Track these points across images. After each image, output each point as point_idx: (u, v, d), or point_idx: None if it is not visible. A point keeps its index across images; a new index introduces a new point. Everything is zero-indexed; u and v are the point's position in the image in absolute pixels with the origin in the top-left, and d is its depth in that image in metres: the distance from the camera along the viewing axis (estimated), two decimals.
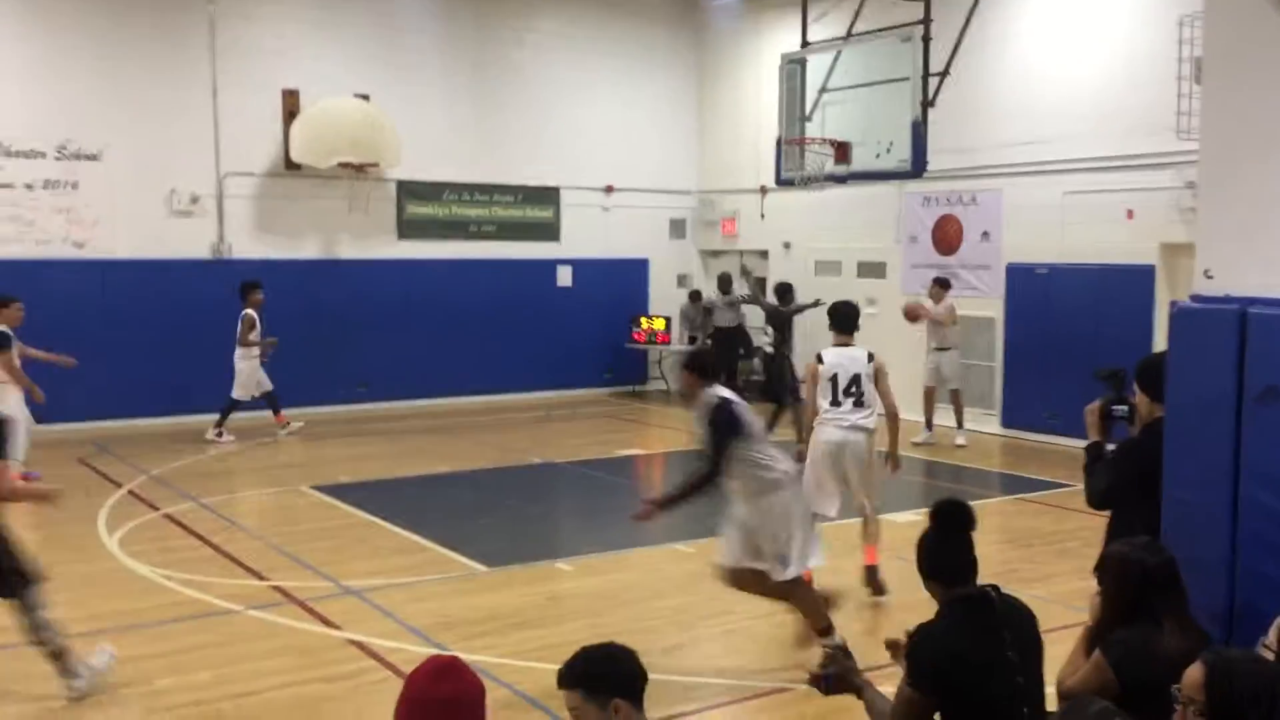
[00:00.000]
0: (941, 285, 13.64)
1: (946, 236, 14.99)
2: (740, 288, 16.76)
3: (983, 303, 14.38)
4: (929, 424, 13.50)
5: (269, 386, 13.65)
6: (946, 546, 3.72)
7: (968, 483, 11.43)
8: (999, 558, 8.29)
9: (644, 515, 6.08)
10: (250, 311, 13.43)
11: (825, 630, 6.12)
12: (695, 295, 17.80)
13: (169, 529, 9.31)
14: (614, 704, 2.94)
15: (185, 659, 6.29)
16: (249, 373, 13.46)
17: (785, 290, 14.31)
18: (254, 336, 13.41)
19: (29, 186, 14.08)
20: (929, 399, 13.57)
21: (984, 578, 3.74)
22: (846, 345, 7.57)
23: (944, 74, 11.69)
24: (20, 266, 13.63)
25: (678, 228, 19.11)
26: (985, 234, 14.47)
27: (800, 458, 7.43)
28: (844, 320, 7.65)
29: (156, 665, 6.18)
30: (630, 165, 18.24)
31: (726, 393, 6.09)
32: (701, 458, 6.00)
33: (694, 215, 19.15)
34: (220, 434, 13.32)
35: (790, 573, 5.96)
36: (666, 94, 18.71)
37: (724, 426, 5.89)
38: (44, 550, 8.50)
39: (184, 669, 6.15)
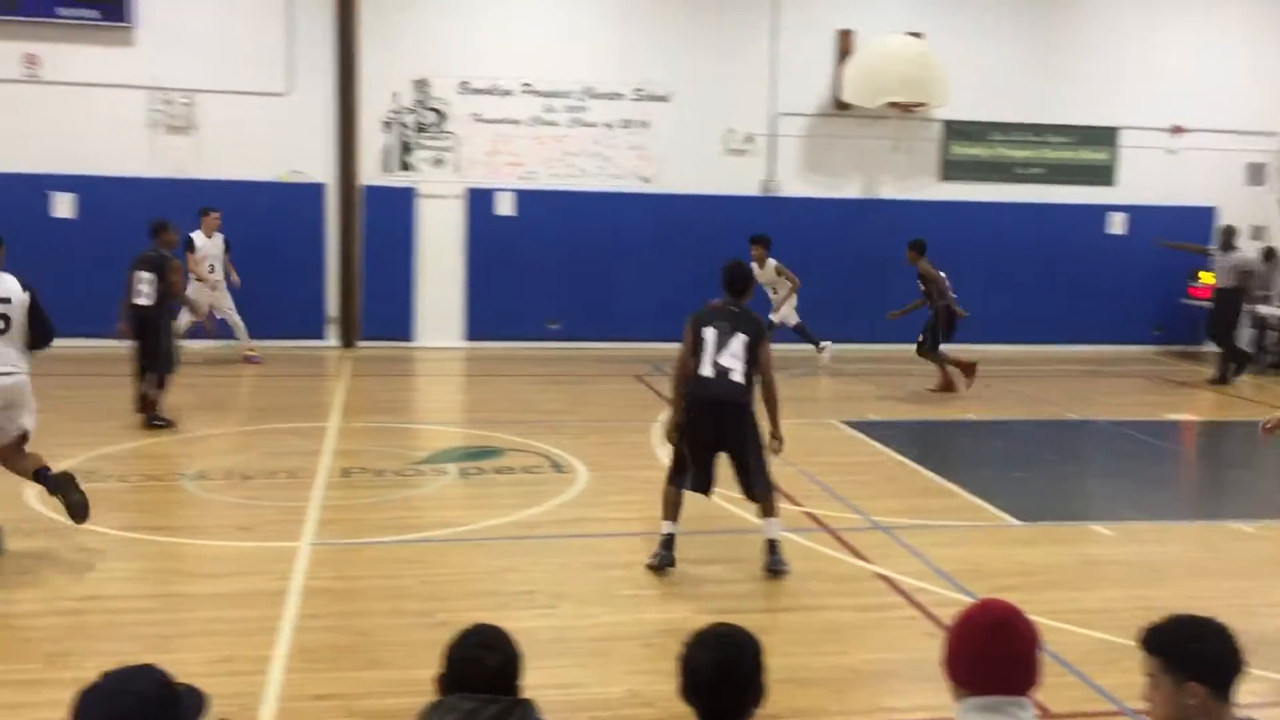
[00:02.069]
0: None
1: None
2: None
3: None
4: None
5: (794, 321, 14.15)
6: None
7: None
8: None
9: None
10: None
11: None
12: (1270, 253, 15.84)
13: None
14: (1190, 686, 2.72)
15: (727, 569, 6.75)
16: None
17: None
18: None
19: (608, 125, 15.57)
20: None
21: None
22: None
23: None
24: (599, 197, 15.21)
25: (1255, 173, 17.09)
26: None
27: None
28: None
29: (701, 570, 6.70)
30: (1201, 103, 16.55)
31: None
32: None
33: (1278, 160, 17.01)
34: None
35: None
36: (1245, 23, 16.67)
37: None
38: (602, 452, 9.55)
39: (725, 578, 6.61)
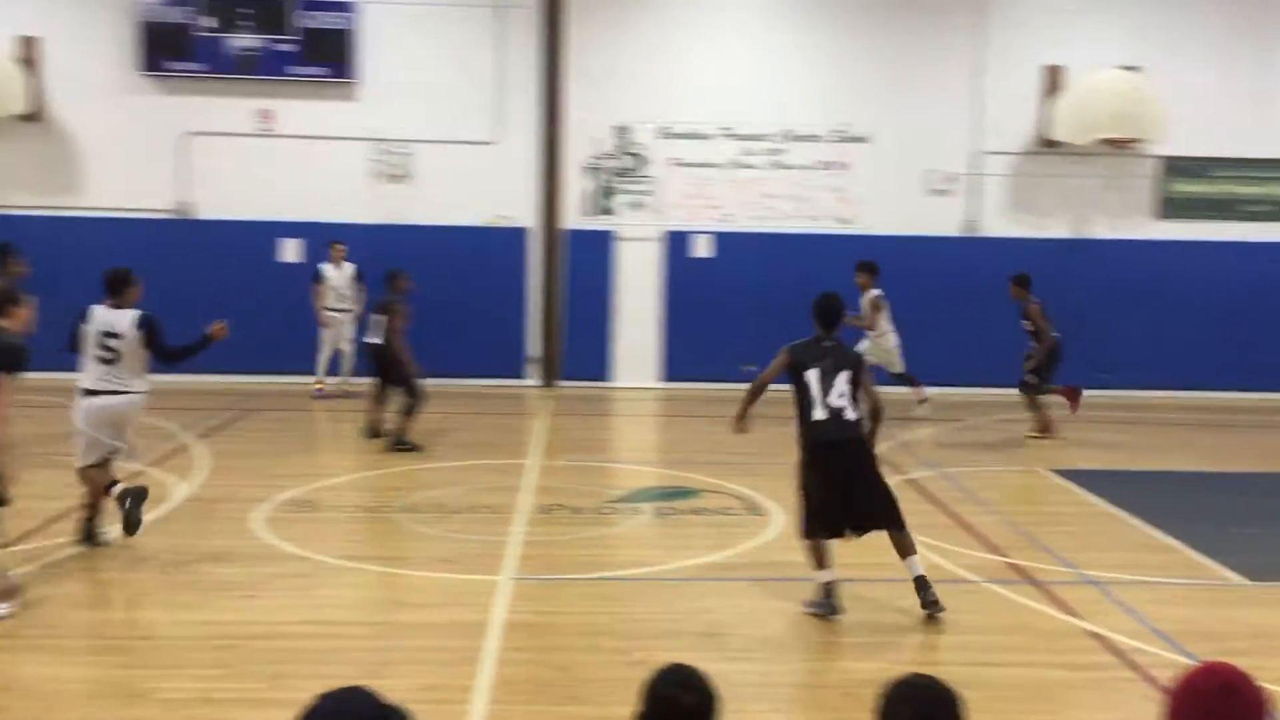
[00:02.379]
0: None
1: None
2: None
3: None
4: None
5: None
6: None
7: None
8: None
9: None
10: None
11: None
12: None
13: (912, 494, 9.77)
14: None
15: (929, 620, 6.58)
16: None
17: None
18: None
19: (807, 168, 15.55)
20: None
21: None
22: None
23: None
24: (797, 239, 15.20)
25: None
26: None
27: None
28: None
29: (902, 620, 6.54)
30: None
31: None
32: None
33: None
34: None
35: None
36: None
37: None
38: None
39: (927, 629, 6.42)
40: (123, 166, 15.04)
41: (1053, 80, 15.31)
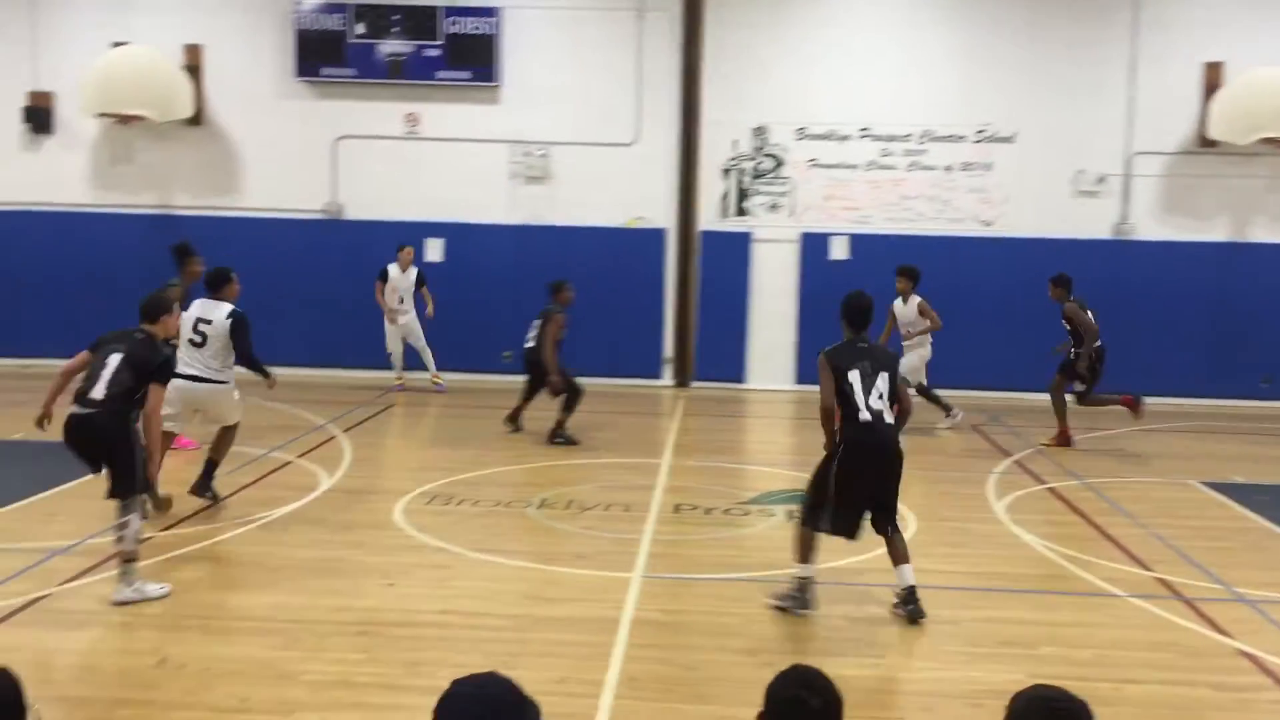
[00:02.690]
0: None
1: None
2: None
3: None
4: None
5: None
6: None
7: None
8: None
9: None
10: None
11: None
12: None
13: (1052, 503, 9.51)
14: None
15: (1067, 632, 6.39)
16: None
17: None
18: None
19: (948, 168, 15.25)
20: None
21: None
22: None
23: None
24: (937, 242, 14.92)
25: None
26: None
27: None
28: None
29: (1037, 632, 6.38)
30: None
31: None
32: None
33: None
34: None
35: None
36: None
37: None
38: (936, 502, 9.31)
39: (1065, 641, 6.26)
40: (278, 169, 15.68)
41: (1211, 77, 14.68)
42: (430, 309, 14.45)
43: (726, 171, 15.60)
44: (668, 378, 15.80)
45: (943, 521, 8.76)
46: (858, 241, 15.38)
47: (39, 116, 15.58)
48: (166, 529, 8.00)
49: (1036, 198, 15.10)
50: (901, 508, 8.63)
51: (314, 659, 5.75)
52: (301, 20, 15.27)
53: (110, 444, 6.55)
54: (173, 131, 15.40)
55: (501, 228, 15.44)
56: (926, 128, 15.27)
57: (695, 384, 15.68)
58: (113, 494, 6.57)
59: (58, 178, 15.68)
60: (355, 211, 15.75)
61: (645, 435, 12.59)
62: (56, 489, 8.95)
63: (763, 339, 15.67)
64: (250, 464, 9.83)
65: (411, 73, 15.37)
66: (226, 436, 8.70)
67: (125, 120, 14.85)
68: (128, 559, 6.54)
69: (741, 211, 15.64)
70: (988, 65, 15.18)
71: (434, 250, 15.57)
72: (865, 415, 6.40)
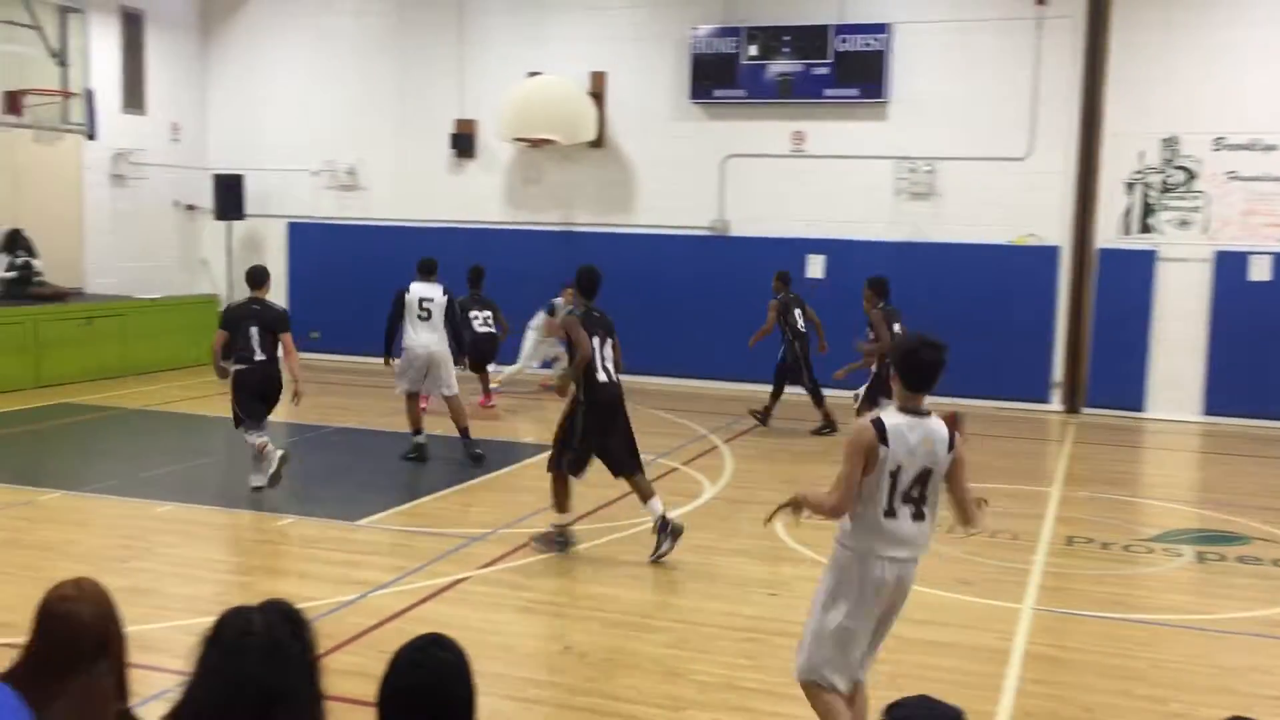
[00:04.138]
0: None
1: None
2: None
3: None
4: None
5: None
6: None
7: None
8: None
9: None
10: None
11: None
12: None
13: None
14: None
15: None
16: None
17: None
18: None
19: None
20: None
21: None
22: None
23: None
24: None
25: None
26: None
27: None
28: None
29: None
30: None
31: None
32: None
33: None
34: None
35: None
36: None
37: None
38: None
39: None
40: (669, 187, 16.38)
41: None
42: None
43: (1130, 186, 14.62)
44: (1056, 402, 15.01)
45: None
46: None
47: (463, 142, 17.17)
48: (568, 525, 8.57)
49: None
50: None
51: (702, 659, 5.97)
52: (697, 44, 15.88)
53: None
54: (577, 153, 16.48)
55: (883, 244, 15.30)
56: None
57: (1087, 410, 14.79)
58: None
59: (477, 198, 17.21)
60: (740, 228, 16.16)
61: (1031, 462, 12.06)
62: (469, 482, 9.84)
63: (1166, 365, 14.54)
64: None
65: (800, 91, 15.57)
66: (455, 404, 10.70)
67: (536, 144, 16.07)
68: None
69: (1146, 228, 14.60)
70: None
71: (815, 267, 15.68)
72: (602, 376, 7.62)
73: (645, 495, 7.76)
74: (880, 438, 4.30)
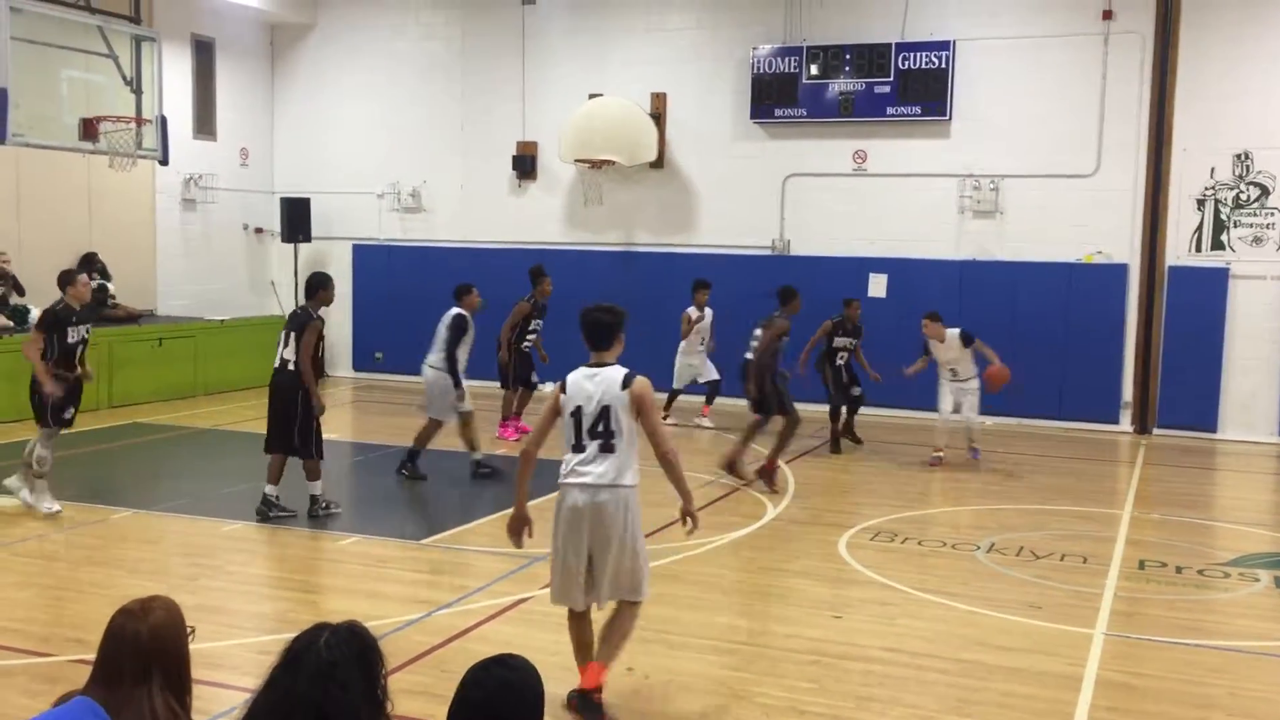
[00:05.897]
0: None
1: None
2: None
3: None
4: None
5: None
6: None
7: None
8: None
9: None
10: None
11: None
12: None
13: None
14: None
15: None
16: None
17: None
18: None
19: None
20: None
21: None
22: None
23: None
24: None
25: None
26: None
27: None
28: None
29: None
30: None
31: None
32: None
33: None
34: None
35: None
36: None
37: None
38: None
39: None
40: (730, 206, 16.37)
41: None
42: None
43: (1200, 202, 14.34)
44: (1125, 423, 14.73)
45: None
46: None
47: (525, 164, 17.31)
48: None
49: None
50: None
51: (766, 682, 5.91)
52: (757, 64, 15.87)
53: None
54: (637, 174, 16.53)
55: (946, 263, 15.14)
56: None
57: (1157, 431, 14.50)
58: None
59: (537, 218, 17.32)
60: (800, 247, 16.08)
61: (1100, 483, 11.83)
62: (531, 502, 9.84)
63: (1240, 385, 14.21)
64: (702, 488, 10.28)
65: (861, 110, 15.49)
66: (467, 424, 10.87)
67: (597, 165, 16.14)
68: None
69: (1218, 245, 14.31)
70: None
71: (877, 286, 15.56)
72: (276, 363, 8.84)
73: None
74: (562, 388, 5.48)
